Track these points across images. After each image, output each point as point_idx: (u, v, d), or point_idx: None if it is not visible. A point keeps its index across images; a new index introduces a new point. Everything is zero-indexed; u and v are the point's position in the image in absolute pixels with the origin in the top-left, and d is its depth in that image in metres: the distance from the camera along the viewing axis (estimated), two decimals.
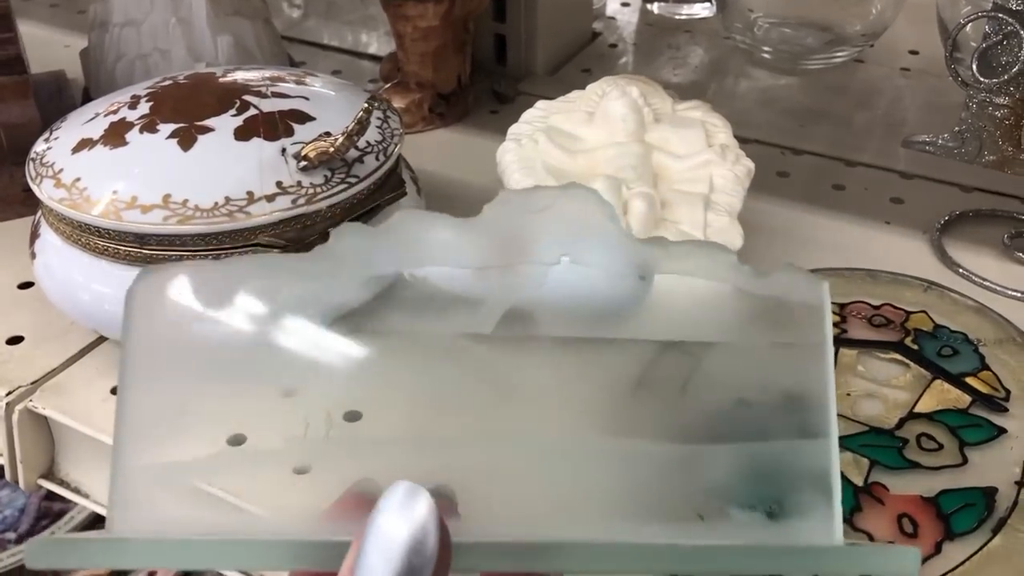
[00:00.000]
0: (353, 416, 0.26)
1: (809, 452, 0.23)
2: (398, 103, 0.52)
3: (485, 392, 0.28)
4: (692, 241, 0.25)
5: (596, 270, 0.27)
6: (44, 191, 0.35)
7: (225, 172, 0.34)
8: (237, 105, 0.36)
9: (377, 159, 0.36)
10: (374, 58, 0.64)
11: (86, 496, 0.39)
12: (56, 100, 0.55)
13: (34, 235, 0.38)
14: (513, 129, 0.42)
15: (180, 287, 0.23)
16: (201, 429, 0.25)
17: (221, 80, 0.39)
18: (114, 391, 0.24)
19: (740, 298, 0.24)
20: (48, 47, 0.65)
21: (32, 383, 0.37)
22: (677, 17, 0.67)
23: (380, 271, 0.25)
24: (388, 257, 0.25)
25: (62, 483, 0.39)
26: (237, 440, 0.26)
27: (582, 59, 0.62)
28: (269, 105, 0.36)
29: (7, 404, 0.36)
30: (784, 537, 0.23)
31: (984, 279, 0.41)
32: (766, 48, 0.60)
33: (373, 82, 0.60)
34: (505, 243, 0.25)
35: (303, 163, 0.34)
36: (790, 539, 0.23)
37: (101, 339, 0.39)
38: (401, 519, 0.18)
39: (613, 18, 0.68)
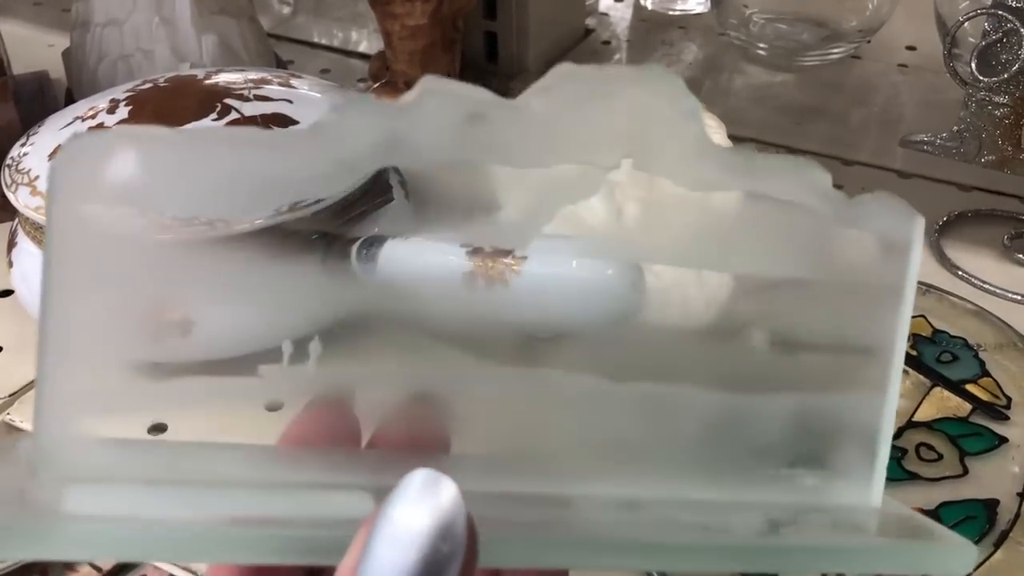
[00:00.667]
0: (332, 343, 0.22)
1: (863, 407, 0.21)
2: None
3: (507, 334, 0.25)
4: (783, 156, 0.20)
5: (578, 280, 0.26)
6: (20, 199, 0.34)
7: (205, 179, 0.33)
8: (218, 109, 0.35)
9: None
10: (364, 56, 0.63)
11: None
12: (39, 101, 0.54)
13: (11, 243, 0.37)
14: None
15: (122, 164, 0.18)
16: (142, 358, 0.21)
17: (203, 83, 0.38)
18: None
19: (817, 226, 0.21)
20: (31, 46, 0.63)
21: (10, 395, 0.36)
22: (671, 13, 0.67)
23: (386, 161, 0.20)
24: (403, 142, 0.19)
25: None
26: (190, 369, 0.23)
27: (575, 56, 0.61)
28: (251, 109, 0.35)
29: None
30: (820, 497, 0.21)
31: (984, 281, 0.41)
32: (761, 44, 0.59)
33: (362, 81, 0.59)
34: (555, 136, 0.20)
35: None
36: (825, 499, 0.21)
37: None
38: (422, 507, 0.15)
39: (606, 14, 0.67)
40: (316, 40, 0.66)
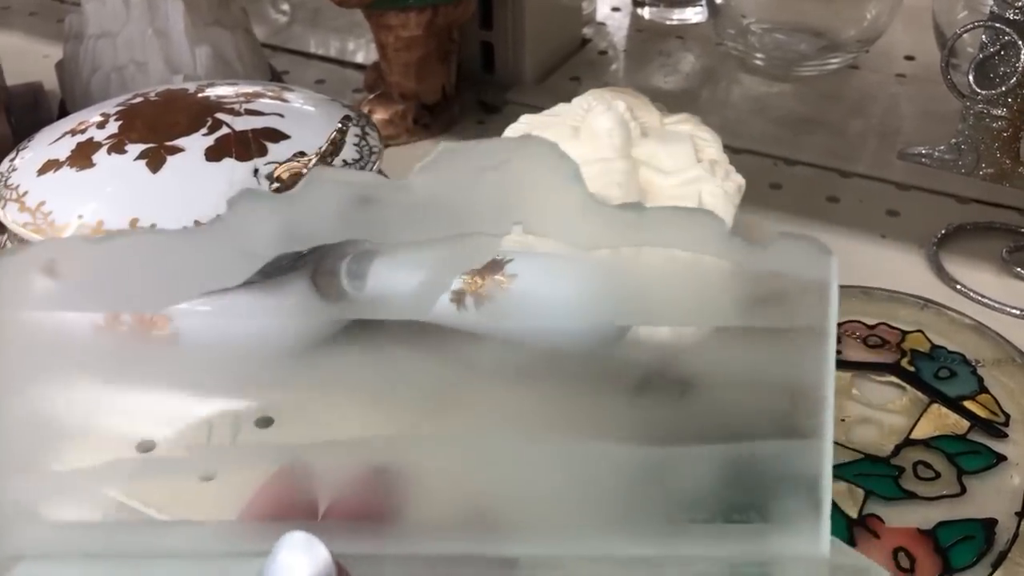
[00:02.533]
0: (265, 422, 0.24)
1: (799, 454, 0.21)
2: (381, 114, 0.51)
3: (427, 389, 0.26)
4: (675, 207, 0.20)
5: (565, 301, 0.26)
6: (8, 215, 0.34)
7: (195, 194, 0.33)
8: (209, 123, 0.35)
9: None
10: (360, 67, 0.62)
11: None
12: (32, 113, 0.54)
13: None
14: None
15: (50, 270, 0.20)
16: (89, 433, 0.23)
17: (194, 97, 0.38)
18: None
19: (726, 274, 0.21)
20: (26, 57, 0.63)
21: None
22: (668, 22, 0.66)
23: (285, 247, 0.21)
24: (295, 231, 0.21)
25: None
26: (141, 447, 0.24)
27: (571, 67, 0.61)
28: (242, 123, 0.35)
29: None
30: (766, 549, 0.21)
31: (982, 295, 0.40)
32: (759, 54, 0.59)
33: (357, 91, 0.58)
34: (443, 211, 0.21)
35: (276, 184, 0.33)
36: (773, 551, 0.21)
37: None
38: (303, 556, 0.17)
39: (603, 24, 0.67)
40: (312, 50, 0.65)
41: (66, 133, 0.36)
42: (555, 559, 0.21)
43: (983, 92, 0.40)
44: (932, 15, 0.55)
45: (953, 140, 0.42)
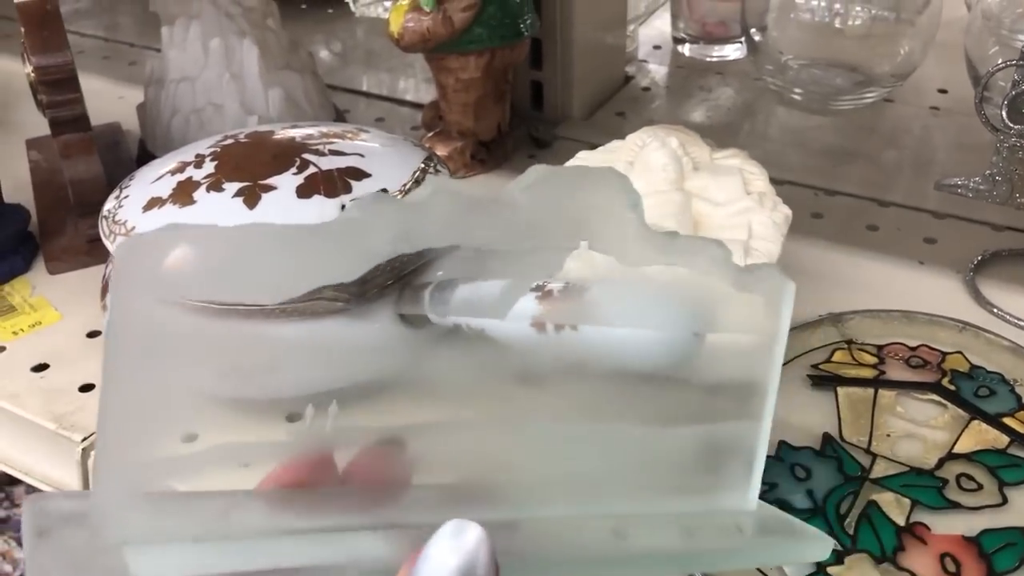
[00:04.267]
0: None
1: (746, 432, 0.26)
2: (441, 151, 0.54)
3: (572, 375, 0.30)
4: (696, 238, 0.25)
5: (651, 331, 0.29)
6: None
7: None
8: (297, 163, 0.38)
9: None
10: (413, 104, 0.66)
11: None
12: (113, 152, 0.58)
13: (106, 288, 0.40)
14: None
15: (177, 258, 0.20)
16: (194, 422, 0.23)
17: (278, 138, 0.41)
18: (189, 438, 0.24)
19: (718, 292, 0.26)
20: (102, 98, 0.67)
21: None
22: (708, 59, 0.69)
23: (399, 248, 0.23)
24: (410, 231, 0.23)
25: None
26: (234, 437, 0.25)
27: (616, 103, 0.64)
28: (327, 163, 0.38)
29: (82, 450, 0.38)
30: (708, 503, 0.26)
31: (1018, 319, 0.42)
32: (797, 89, 0.62)
33: (415, 129, 0.62)
34: (534, 225, 0.24)
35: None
36: (712, 505, 0.26)
37: None
38: (451, 548, 0.20)
39: (645, 61, 0.70)
40: (367, 89, 0.69)
41: (166, 173, 0.39)
42: (540, 521, 0.24)
43: (1016, 127, 0.42)
44: (964, 50, 0.57)
45: (988, 171, 0.44)
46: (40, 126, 0.58)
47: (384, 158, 0.40)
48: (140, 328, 0.20)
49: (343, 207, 0.36)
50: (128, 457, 0.21)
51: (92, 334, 0.44)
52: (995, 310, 0.43)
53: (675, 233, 0.25)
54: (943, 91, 0.63)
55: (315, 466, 0.24)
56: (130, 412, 0.21)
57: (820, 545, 0.25)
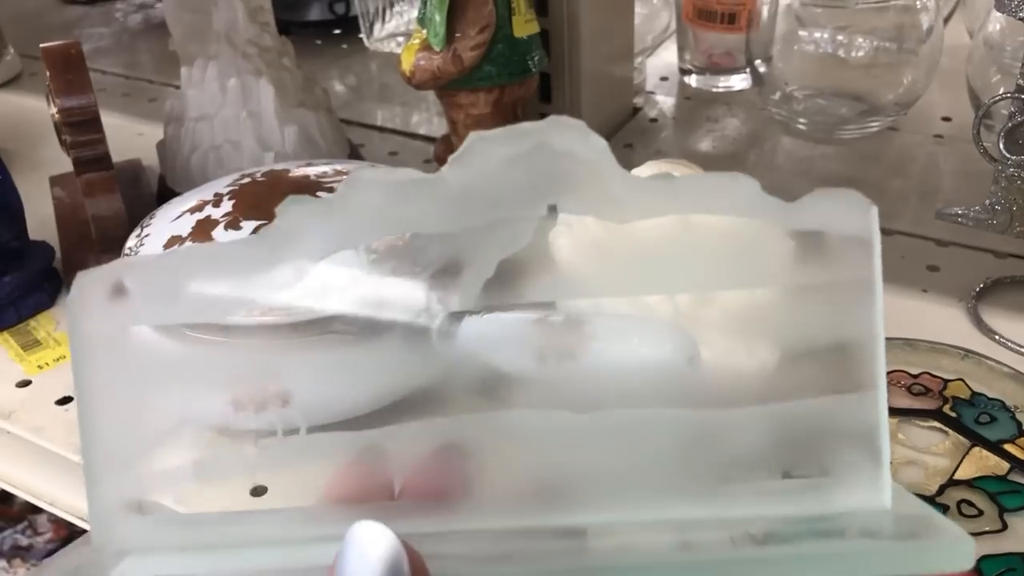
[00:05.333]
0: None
1: (854, 408, 0.20)
2: None
3: (572, 403, 0.26)
4: (706, 174, 0.20)
5: (641, 356, 0.29)
6: None
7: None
8: None
9: (441, 244, 0.39)
10: (426, 138, 0.67)
11: None
12: (133, 187, 0.60)
13: None
14: (563, 215, 0.45)
15: (123, 288, 0.22)
16: (172, 438, 0.25)
17: (294, 176, 0.42)
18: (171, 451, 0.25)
19: (770, 234, 0.21)
20: (122, 134, 0.69)
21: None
22: (714, 90, 0.70)
23: (332, 248, 0.22)
24: (343, 230, 0.22)
25: None
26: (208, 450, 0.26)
27: (624, 134, 0.65)
28: None
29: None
30: (828, 504, 0.21)
31: (1020, 346, 0.43)
32: (802, 119, 0.63)
33: (427, 162, 0.63)
34: (482, 196, 0.22)
35: (373, 256, 0.37)
36: (834, 505, 0.21)
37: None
38: (373, 542, 0.18)
39: (653, 92, 0.71)
40: (380, 123, 0.70)
41: (185, 211, 0.40)
42: (619, 526, 0.21)
43: (1013, 157, 0.43)
44: (966, 79, 0.58)
45: (987, 201, 0.45)
46: (63, 162, 0.60)
47: None
48: (103, 353, 0.21)
49: None
50: (110, 473, 0.22)
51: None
52: (997, 337, 0.44)
53: (669, 175, 0.20)
54: (947, 119, 0.64)
55: (367, 480, 0.24)
56: (111, 430, 0.22)
57: (962, 548, 0.19)
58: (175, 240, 0.39)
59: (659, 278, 0.25)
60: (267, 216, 0.39)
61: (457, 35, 0.50)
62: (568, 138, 0.20)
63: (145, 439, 0.23)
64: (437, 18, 0.49)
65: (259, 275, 0.22)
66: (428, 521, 0.22)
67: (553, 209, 0.22)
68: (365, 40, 0.80)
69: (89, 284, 0.21)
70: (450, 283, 0.33)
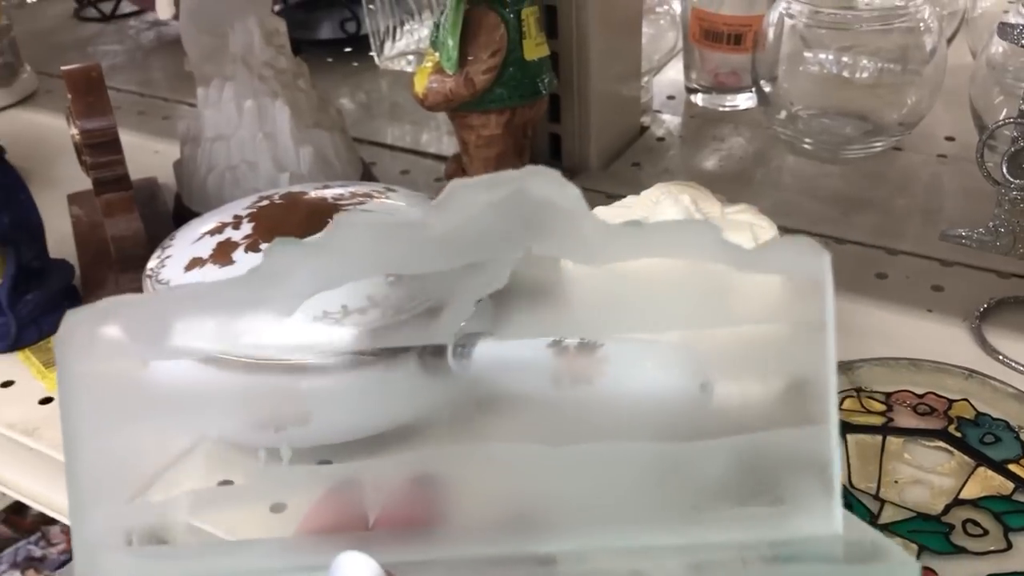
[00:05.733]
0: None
1: (809, 441, 0.22)
2: None
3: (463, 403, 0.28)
4: (673, 220, 0.22)
5: (655, 382, 0.30)
6: None
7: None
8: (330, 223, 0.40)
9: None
10: (436, 157, 0.68)
11: None
12: (150, 206, 0.61)
13: None
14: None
15: (113, 326, 0.22)
16: (159, 473, 0.24)
17: (311, 198, 0.43)
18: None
19: (722, 278, 0.22)
20: (137, 152, 0.69)
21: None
22: (720, 109, 0.71)
23: (318, 288, 0.23)
24: (329, 271, 0.23)
25: None
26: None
27: (632, 153, 0.66)
28: None
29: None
30: (784, 531, 0.22)
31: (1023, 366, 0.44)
32: (807, 138, 0.64)
33: (438, 180, 0.64)
34: (462, 240, 0.23)
35: (390, 277, 0.38)
36: (790, 532, 0.22)
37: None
38: (363, 564, 0.19)
39: (660, 111, 0.72)
40: (390, 142, 0.71)
41: (205, 233, 0.41)
42: (589, 553, 0.22)
43: (1016, 181, 0.44)
44: (969, 100, 0.59)
45: (991, 223, 0.46)
46: (79, 180, 0.61)
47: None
48: (89, 390, 0.22)
49: None
50: (94, 508, 0.22)
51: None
52: (1001, 357, 0.45)
53: (637, 222, 0.22)
54: (950, 139, 0.65)
55: (343, 512, 0.24)
56: (96, 465, 0.22)
57: (908, 570, 0.21)
58: (196, 262, 0.40)
59: (636, 317, 0.26)
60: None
61: (469, 58, 0.51)
62: (545, 186, 0.22)
63: (131, 474, 0.24)
64: (450, 42, 0.50)
65: (246, 315, 0.23)
66: (404, 550, 0.23)
67: (529, 252, 0.23)
68: (376, 58, 0.81)
69: (77, 323, 0.22)
70: (431, 322, 0.34)
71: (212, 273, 0.39)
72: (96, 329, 0.22)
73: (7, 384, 0.47)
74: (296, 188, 0.45)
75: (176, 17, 0.60)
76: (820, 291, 0.22)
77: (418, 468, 0.25)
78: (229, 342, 0.24)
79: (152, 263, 0.42)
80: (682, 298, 0.24)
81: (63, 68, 0.51)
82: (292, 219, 0.41)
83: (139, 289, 0.42)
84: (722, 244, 0.21)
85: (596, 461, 0.24)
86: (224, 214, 0.43)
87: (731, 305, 0.23)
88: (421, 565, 0.23)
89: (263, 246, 0.39)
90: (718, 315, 0.24)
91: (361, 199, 0.43)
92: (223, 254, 0.40)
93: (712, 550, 0.22)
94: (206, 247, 0.40)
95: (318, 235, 0.22)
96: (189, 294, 0.23)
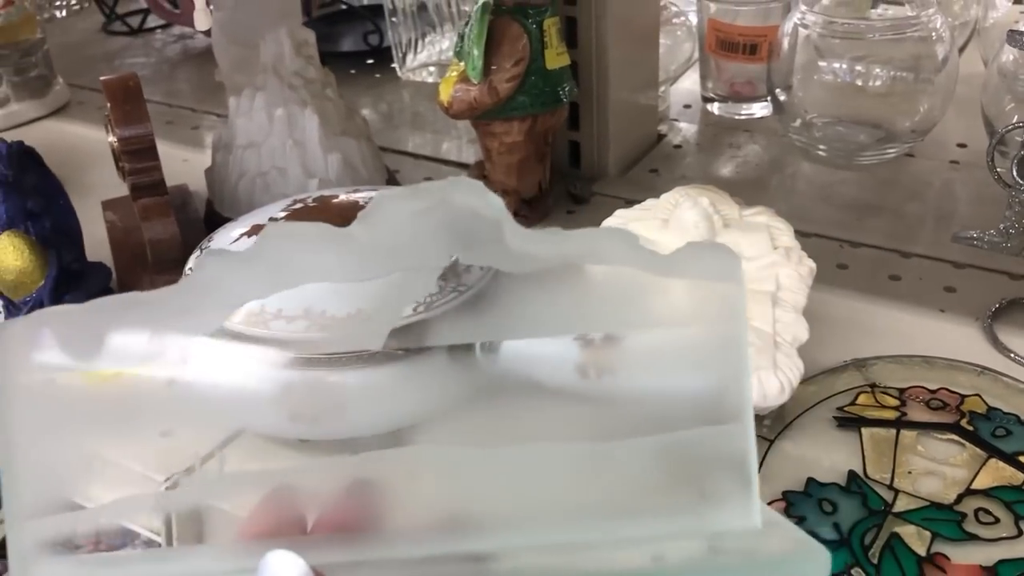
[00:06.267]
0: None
1: (725, 438, 0.23)
2: None
3: (611, 416, 0.28)
4: (590, 229, 0.22)
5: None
6: None
7: (356, 287, 0.39)
8: None
9: (481, 268, 0.42)
10: (458, 164, 0.70)
11: None
12: (182, 212, 0.62)
13: None
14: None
15: (48, 337, 0.23)
16: (96, 479, 0.25)
17: (342, 201, 0.45)
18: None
19: (648, 285, 0.23)
20: (167, 161, 0.71)
21: (186, 470, 0.43)
22: (736, 117, 0.73)
23: (247, 298, 0.23)
24: (256, 283, 0.23)
25: None
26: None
27: (650, 160, 0.68)
28: None
29: (165, 489, 0.42)
30: (704, 525, 0.23)
31: None
32: (821, 146, 0.65)
33: None
34: (388, 251, 0.23)
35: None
36: (710, 526, 0.23)
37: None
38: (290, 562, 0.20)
39: (676, 120, 0.73)
40: (412, 150, 0.73)
41: (242, 235, 0.43)
42: (521, 550, 0.23)
43: None
44: (981, 107, 0.61)
45: (1001, 225, 0.47)
46: (111, 187, 0.63)
47: None
48: (25, 399, 0.23)
49: None
50: (27, 516, 0.23)
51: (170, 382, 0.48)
52: (1012, 355, 0.46)
53: (556, 230, 0.23)
54: (962, 145, 0.66)
55: (281, 517, 0.25)
56: (30, 474, 0.23)
57: (820, 557, 0.22)
58: None
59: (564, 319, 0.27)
60: None
61: (493, 68, 0.53)
62: (468, 196, 0.22)
63: (64, 482, 0.24)
64: (475, 52, 0.52)
65: (177, 323, 0.24)
66: (339, 552, 0.24)
67: (455, 260, 0.24)
68: (398, 70, 0.83)
69: (13, 334, 0.22)
70: (361, 327, 0.34)
71: None
72: (31, 340, 0.22)
73: None
74: (328, 192, 0.47)
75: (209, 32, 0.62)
76: (735, 296, 0.22)
77: (353, 473, 0.25)
78: (159, 351, 0.24)
79: (191, 264, 0.43)
80: (604, 299, 0.25)
81: (102, 78, 0.53)
82: (324, 221, 0.43)
83: None
84: (639, 250, 0.22)
85: (526, 461, 0.24)
86: (259, 216, 0.45)
87: (651, 307, 0.24)
88: (355, 565, 0.23)
89: None
90: (640, 316, 0.25)
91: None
92: None
93: (637, 543, 0.23)
94: (243, 248, 0.42)
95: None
96: (122, 303, 0.23)
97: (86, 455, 0.25)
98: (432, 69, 0.82)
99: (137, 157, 0.52)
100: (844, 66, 0.63)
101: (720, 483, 0.23)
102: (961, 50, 0.71)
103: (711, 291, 0.23)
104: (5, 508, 0.23)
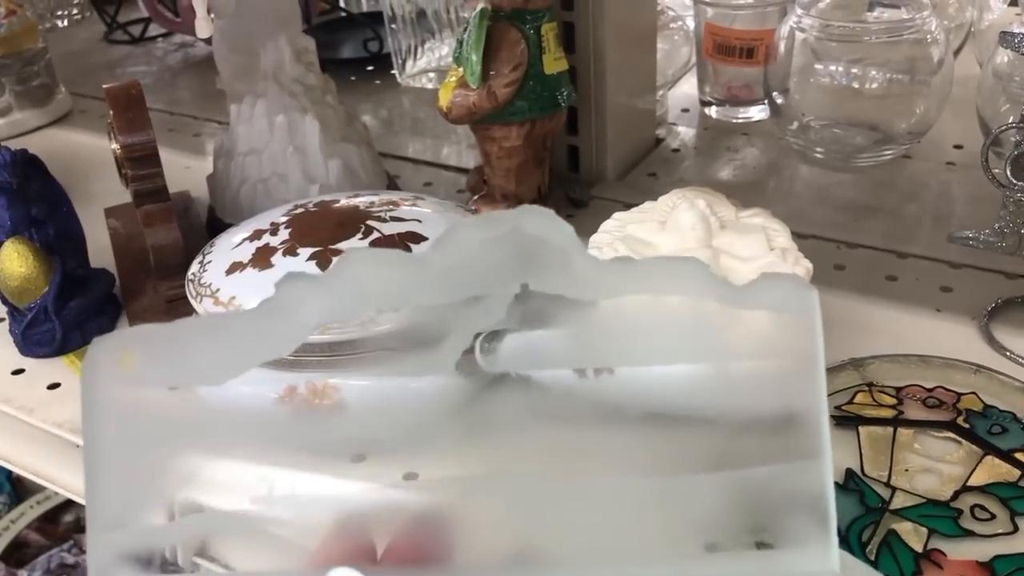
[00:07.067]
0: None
1: (802, 475, 0.22)
2: (486, 212, 0.58)
3: (459, 432, 0.29)
4: (661, 257, 0.23)
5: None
6: (204, 307, 0.41)
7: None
8: (363, 229, 0.42)
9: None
10: (457, 169, 0.70)
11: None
12: (184, 218, 0.63)
13: None
14: (594, 239, 0.48)
15: (136, 354, 0.23)
16: (177, 495, 0.25)
17: (343, 206, 0.45)
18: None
19: (722, 315, 0.23)
20: (169, 168, 0.71)
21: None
22: (734, 120, 0.73)
23: (324, 320, 0.24)
24: (336, 304, 0.24)
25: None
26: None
27: (648, 164, 0.68)
28: (389, 228, 0.43)
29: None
30: (779, 567, 0.22)
31: None
32: (819, 148, 0.66)
33: (460, 192, 0.66)
34: (461, 276, 0.24)
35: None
36: (785, 569, 0.22)
37: None
38: None
39: (674, 124, 0.74)
40: (412, 155, 0.74)
41: (245, 239, 0.44)
42: None
43: (1020, 183, 0.46)
44: (976, 108, 0.61)
45: (997, 225, 0.48)
46: (114, 195, 0.64)
47: (439, 223, 0.44)
48: (110, 414, 0.23)
49: None
50: (110, 528, 0.23)
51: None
52: (1008, 353, 0.46)
53: (628, 258, 0.23)
54: (958, 146, 0.67)
55: (352, 545, 0.25)
56: (114, 487, 0.23)
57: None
58: (237, 266, 0.42)
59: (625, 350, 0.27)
60: (320, 242, 0.42)
61: (492, 73, 0.53)
62: (539, 224, 0.23)
63: (148, 497, 0.25)
64: (474, 57, 0.52)
65: (256, 345, 0.24)
66: None
67: (526, 288, 0.25)
68: (398, 76, 0.83)
69: (104, 350, 0.23)
70: (429, 354, 0.35)
71: (253, 276, 0.41)
72: (118, 355, 0.23)
73: (54, 386, 0.49)
74: (328, 197, 0.47)
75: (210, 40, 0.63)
76: (810, 328, 0.22)
77: (425, 501, 0.26)
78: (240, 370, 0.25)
79: (194, 268, 0.44)
80: (676, 332, 0.25)
81: (105, 86, 0.53)
82: (325, 225, 0.43)
83: (179, 295, 0.45)
84: (712, 280, 0.22)
85: (598, 494, 0.24)
86: (261, 222, 0.45)
87: (724, 340, 0.24)
88: None
89: (300, 250, 0.42)
90: (711, 350, 0.25)
91: (389, 207, 0.45)
92: (262, 259, 0.42)
93: None
94: (246, 252, 0.43)
95: (325, 271, 0.24)
96: (207, 325, 0.24)
97: (168, 470, 0.25)
98: (432, 75, 0.83)
99: (140, 164, 0.52)
100: (840, 69, 0.64)
101: (796, 523, 0.22)
102: (956, 52, 0.71)
103: (786, 323, 0.22)
104: (88, 519, 0.23)
